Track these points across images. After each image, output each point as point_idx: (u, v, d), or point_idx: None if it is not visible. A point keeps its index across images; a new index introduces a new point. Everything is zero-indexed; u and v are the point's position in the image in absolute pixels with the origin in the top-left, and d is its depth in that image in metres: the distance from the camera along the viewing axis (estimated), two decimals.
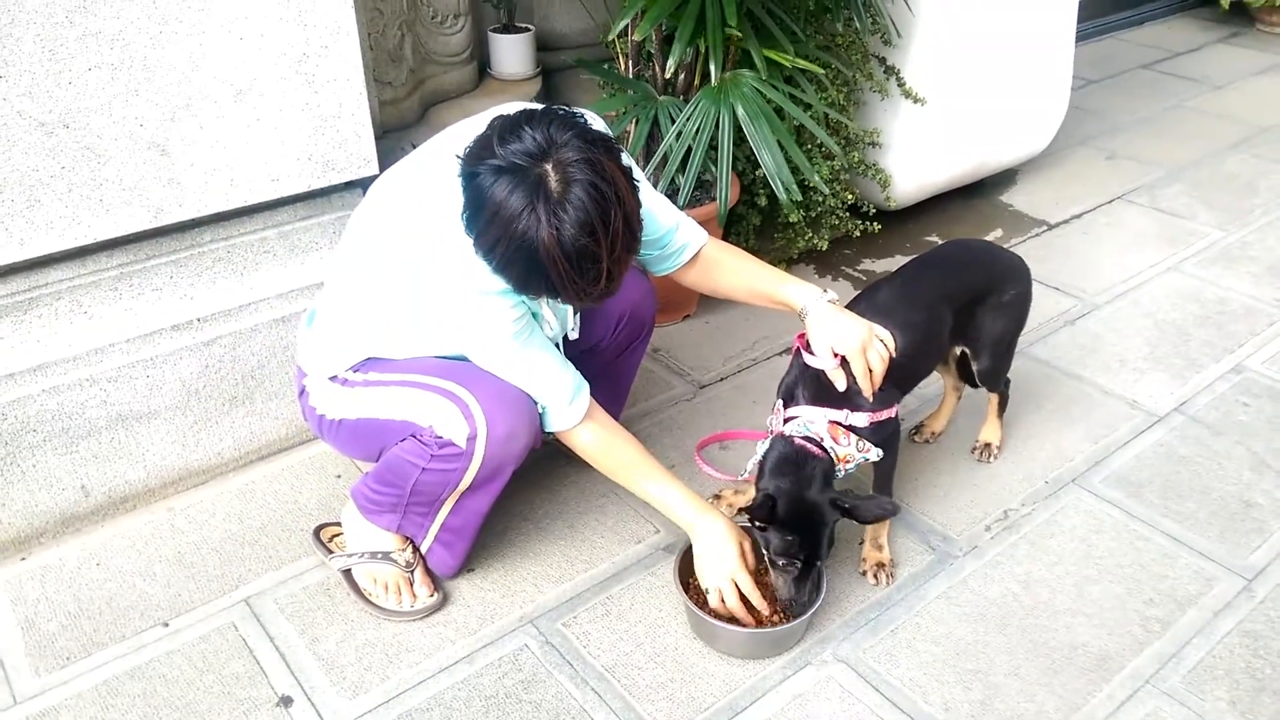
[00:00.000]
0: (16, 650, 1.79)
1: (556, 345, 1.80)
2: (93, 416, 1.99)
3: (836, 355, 1.77)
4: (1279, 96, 4.38)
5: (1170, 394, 2.49)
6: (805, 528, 1.72)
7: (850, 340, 1.76)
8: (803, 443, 1.76)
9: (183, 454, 2.13)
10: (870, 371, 1.77)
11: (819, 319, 1.79)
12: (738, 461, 2.22)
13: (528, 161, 1.42)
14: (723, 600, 1.76)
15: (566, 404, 1.72)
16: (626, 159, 1.52)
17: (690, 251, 1.89)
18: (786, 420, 1.80)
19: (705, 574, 1.79)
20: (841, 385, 1.78)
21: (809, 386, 1.81)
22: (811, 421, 1.77)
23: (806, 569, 1.73)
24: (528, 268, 1.46)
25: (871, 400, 1.79)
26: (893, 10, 2.83)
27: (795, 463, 1.75)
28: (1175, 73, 4.67)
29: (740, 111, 2.40)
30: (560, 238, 1.42)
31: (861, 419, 1.78)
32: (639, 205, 1.52)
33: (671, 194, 2.46)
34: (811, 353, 1.80)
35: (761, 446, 1.82)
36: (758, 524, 1.73)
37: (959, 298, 2.01)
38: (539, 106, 1.52)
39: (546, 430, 1.75)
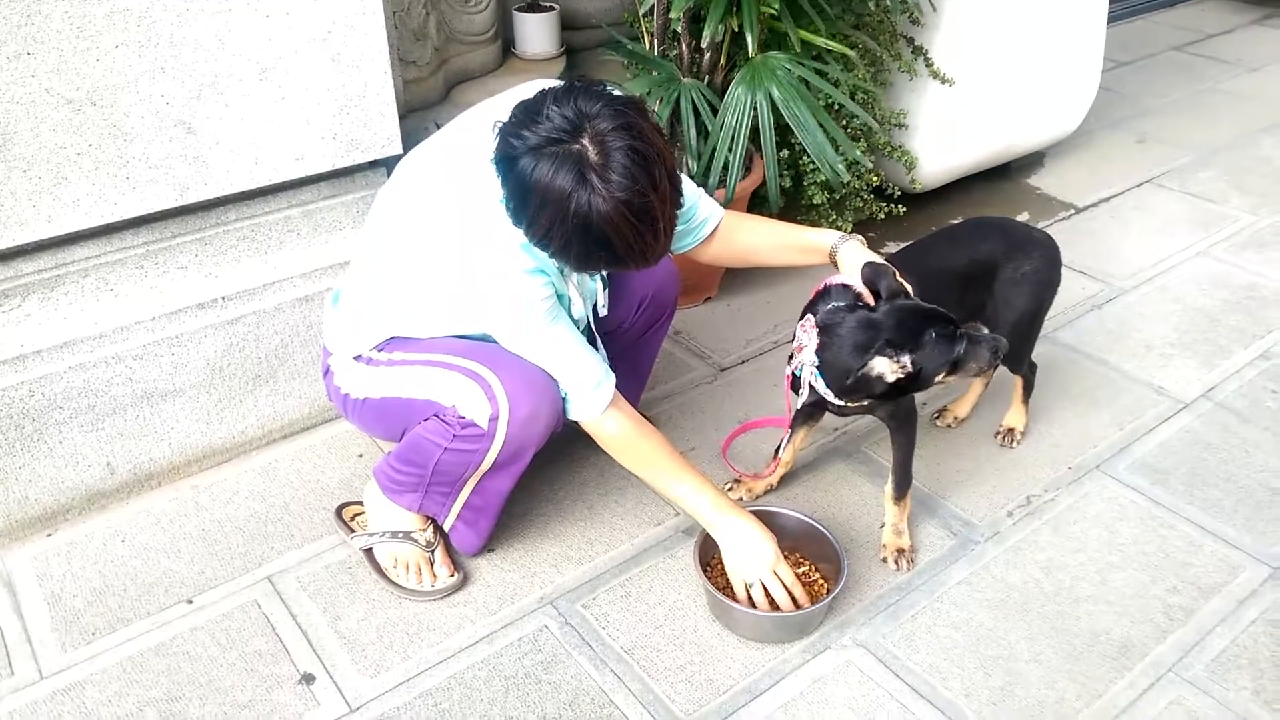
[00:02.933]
0: (43, 625, 1.82)
1: (586, 327, 1.79)
2: (118, 394, 2.01)
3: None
4: None
5: (1198, 380, 2.46)
6: (927, 318, 1.69)
7: (883, 267, 1.76)
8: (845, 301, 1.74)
9: (206, 432, 2.15)
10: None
11: (850, 251, 1.81)
12: (760, 446, 2.22)
13: (565, 137, 1.42)
14: (767, 593, 1.75)
15: (591, 390, 1.71)
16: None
17: (711, 225, 1.89)
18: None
19: (741, 570, 1.76)
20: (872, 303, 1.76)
21: (840, 301, 1.78)
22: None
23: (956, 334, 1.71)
24: (588, 242, 1.46)
25: None
26: None
27: (862, 306, 1.71)
28: (1208, 55, 4.59)
29: (776, 94, 2.38)
30: (617, 203, 1.42)
31: None
32: (675, 159, 1.53)
33: (719, 178, 2.44)
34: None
35: (808, 354, 1.75)
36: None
37: (971, 270, 2.00)
38: (558, 83, 1.51)
39: (569, 418, 1.75)
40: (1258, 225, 3.17)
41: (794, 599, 1.76)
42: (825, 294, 1.81)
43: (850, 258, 1.80)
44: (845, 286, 1.78)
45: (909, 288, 1.78)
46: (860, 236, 1.84)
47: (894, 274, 1.75)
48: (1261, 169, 3.54)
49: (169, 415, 2.09)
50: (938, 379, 1.73)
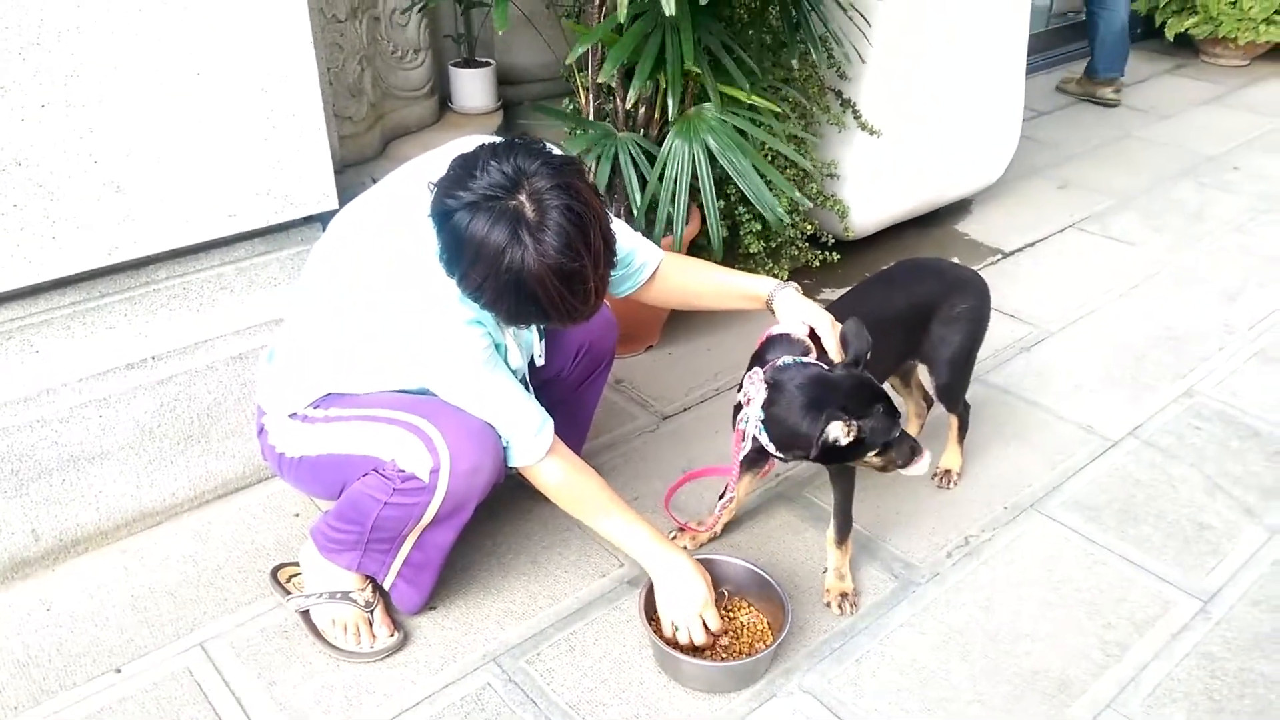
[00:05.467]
0: None
1: (522, 377, 1.80)
2: (44, 458, 1.95)
3: (806, 326, 1.80)
4: (1224, 125, 4.51)
5: (1125, 418, 2.53)
6: (874, 393, 1.71)
7: (820, 315, 1.80)
8: (790, 362, 1.74)
9: (136, 495, 2.09)
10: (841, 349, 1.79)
11: (787, 300, 1.83)
12: (703, 495, 2.22)
13: (502, 194, 1.43)
14: (691, 637, 1.76)
15: (531, 437, 1.71)
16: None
17: (650, 269, 1.91)
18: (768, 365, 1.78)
19: (670, 611, 1.77)
20: (812, 355, 1.78)
21: (786, 351, 1.80)
22: (800, 360, 1.75)
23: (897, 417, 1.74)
24: (519, 298, 1.48)
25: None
26: (848, 44, 2.88)
27: (799, 379, 1.71)
28: (1124, 103, 4.78)
29: (713, 144, 2.43)
30: (547, 264, 1.44)
31: None
32: (610, 219, 1.55)
33: (663, 230, 2.47)
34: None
35: (754, 407, 1.77)
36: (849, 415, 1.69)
37: (910, 311, 2.05)
38: (498, 139, 1.53)
39: (510, 465, 1.74)
40: (1175, 266, 3.29)
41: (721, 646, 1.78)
42: (771, 344, 1.83)
43: (786, 307, 1.84)
44: (791, 338, 1.80)
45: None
46: (795, 284, 1.87)
47: (831, 323, 1.78)
48: (1176, 212, 3.68)
49: (97, 479, 2.03)
50: (870, 456, 1.76)
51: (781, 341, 1.82)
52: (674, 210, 2.45)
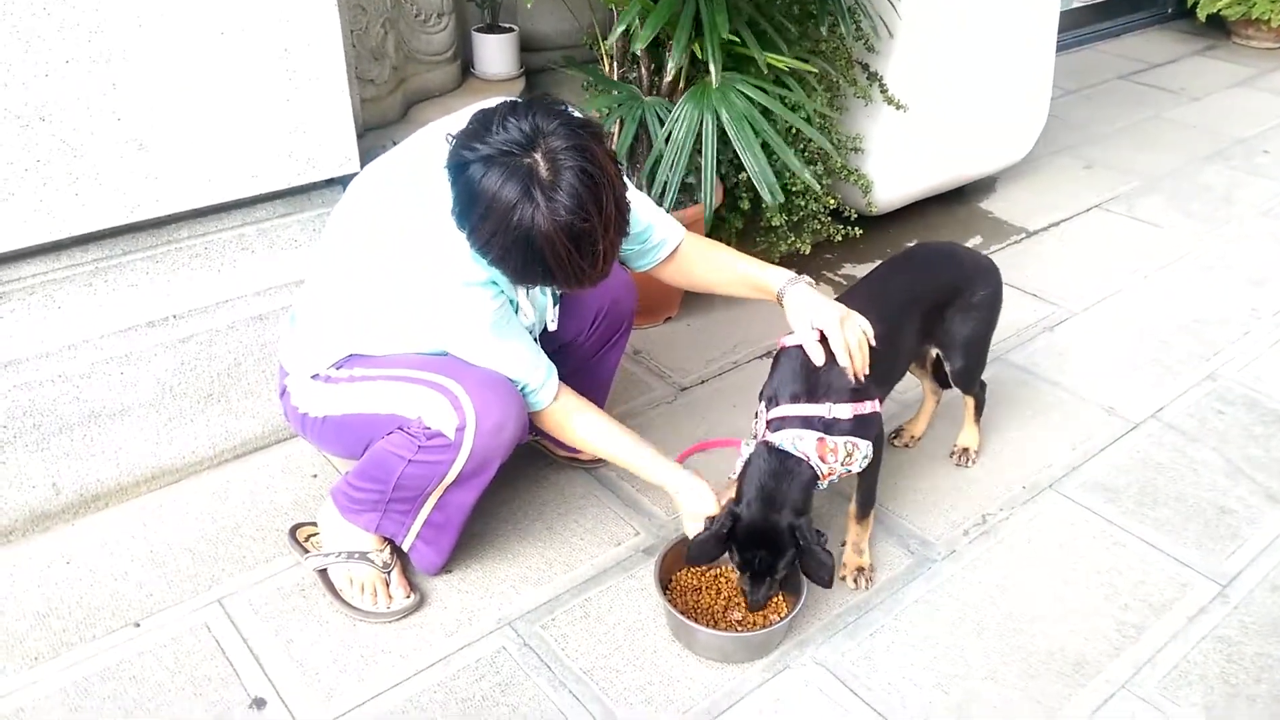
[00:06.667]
0: None
1: (534, 338, 1.80)
2: (65, 413, 1.96)
3: (815, 330, 1.77)
4: (1254, 108, 4.44)
5: (1147, 401, 2.50)
6: (766, 547, 1.71)
7: (828, 314, 1.76)
8: (786, 452, 1.72)
9: (156, 452, 2.11)
10: (849, 350, 1.75)
11: (796, 297, 1.81)
12: (718, 465, 2.22)
13: (517, 150, 1.43)
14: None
15: (540, 385, 1.73)
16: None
17: (669, 247, 1.89)
18: (770, 423, 1.77)
19: (689, 516, 1.79)
20: (820, 359, 1.75)
21: (792, 385, 1.78)
22: (800, 438, 1.72)
23: (761, 575, 1.73)
24: (526, 256, 1.47)
25: (856, 381, 1.76)
26: (875, 17, 2.85)
27: (774, 475, 1.71)
28: (1153, 84, 4.72)
29: (724, 115, 2.42)
30: (557, 224, 1.43)
31: (845, 410, 1.75)
32: (625, 187, 1.55)
33: (658, 197, 2.46)
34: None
35: (745, 450, 1.81)
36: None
37: (928, 298, 2.03)
38: (520, 99, 1.52)
39: (530, 411, 1.75)
40: (1201, 250, 3.25)
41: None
42: (784, 359, 1.80)
43: (795, 304, 1.80)
44: (804, 355, 1.77)
45: (869, 333, 1.78)
46: (809, 279, 1.83)
47: (840, 321, 1.75)
48: (1204, 195, 3.63)
49: (117, 435, 2.04)
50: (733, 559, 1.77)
51: (792, 364, 1.78)
52: (671, 176, 2.43)
